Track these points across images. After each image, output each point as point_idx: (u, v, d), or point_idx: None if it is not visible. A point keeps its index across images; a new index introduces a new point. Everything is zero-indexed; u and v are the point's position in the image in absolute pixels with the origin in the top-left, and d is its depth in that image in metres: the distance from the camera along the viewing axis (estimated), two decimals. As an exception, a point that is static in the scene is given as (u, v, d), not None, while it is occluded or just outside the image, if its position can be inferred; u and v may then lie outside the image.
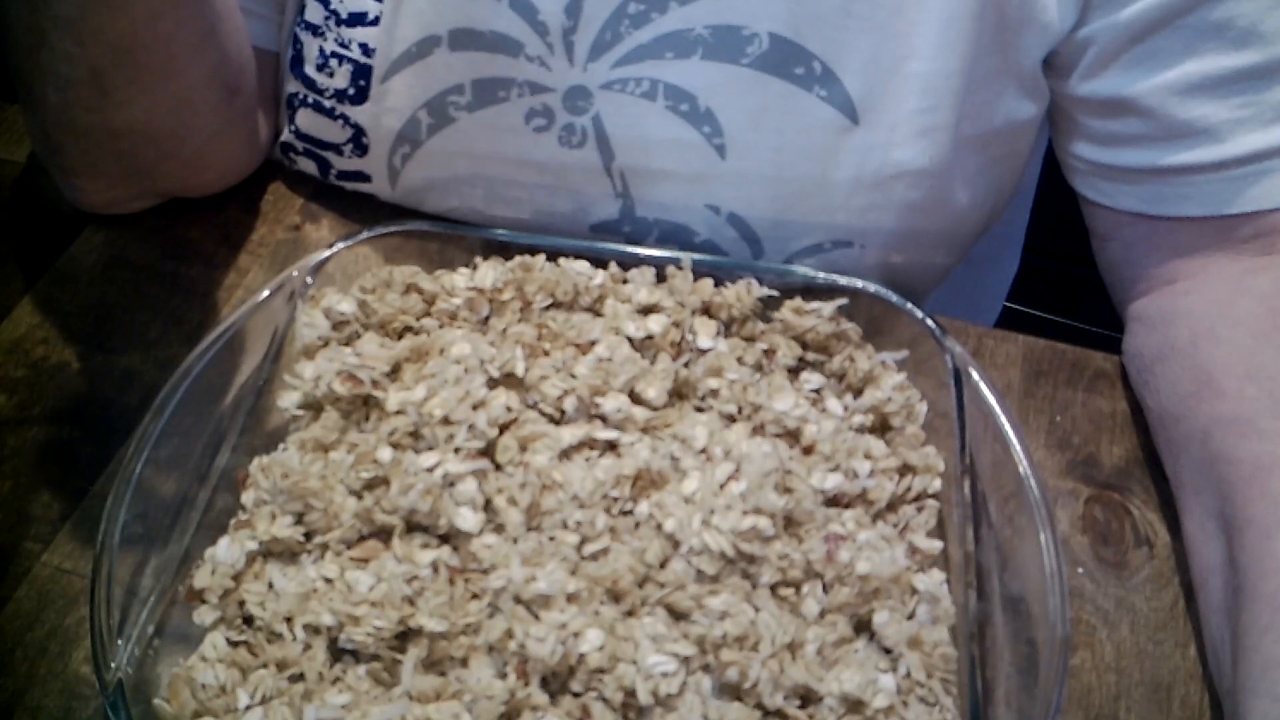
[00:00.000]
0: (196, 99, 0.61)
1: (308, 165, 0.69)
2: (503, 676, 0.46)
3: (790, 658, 0.47)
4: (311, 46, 0.64)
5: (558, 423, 0.53)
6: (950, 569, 0.51)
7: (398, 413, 0.51)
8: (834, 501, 0.52)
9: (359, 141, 0.66)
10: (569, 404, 0.53)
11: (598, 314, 0.58)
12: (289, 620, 0.47)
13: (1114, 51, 0.58)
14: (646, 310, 0.57)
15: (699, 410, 0.55)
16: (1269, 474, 0.50)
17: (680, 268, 0.58)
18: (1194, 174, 0.58)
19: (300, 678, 0.46)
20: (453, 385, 0.51)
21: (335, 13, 0.62)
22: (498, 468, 0.51)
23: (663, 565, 0.48)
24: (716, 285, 0.58)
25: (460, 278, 0.58)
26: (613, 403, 0.53)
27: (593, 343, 0.55)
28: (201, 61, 0.60)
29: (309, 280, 0.56)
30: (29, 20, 0.56)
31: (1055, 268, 1.13)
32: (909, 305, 0.56)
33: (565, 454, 0.52)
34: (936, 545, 0.51)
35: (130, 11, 0.55)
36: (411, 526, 0.49)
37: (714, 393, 0.55)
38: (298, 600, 0.47)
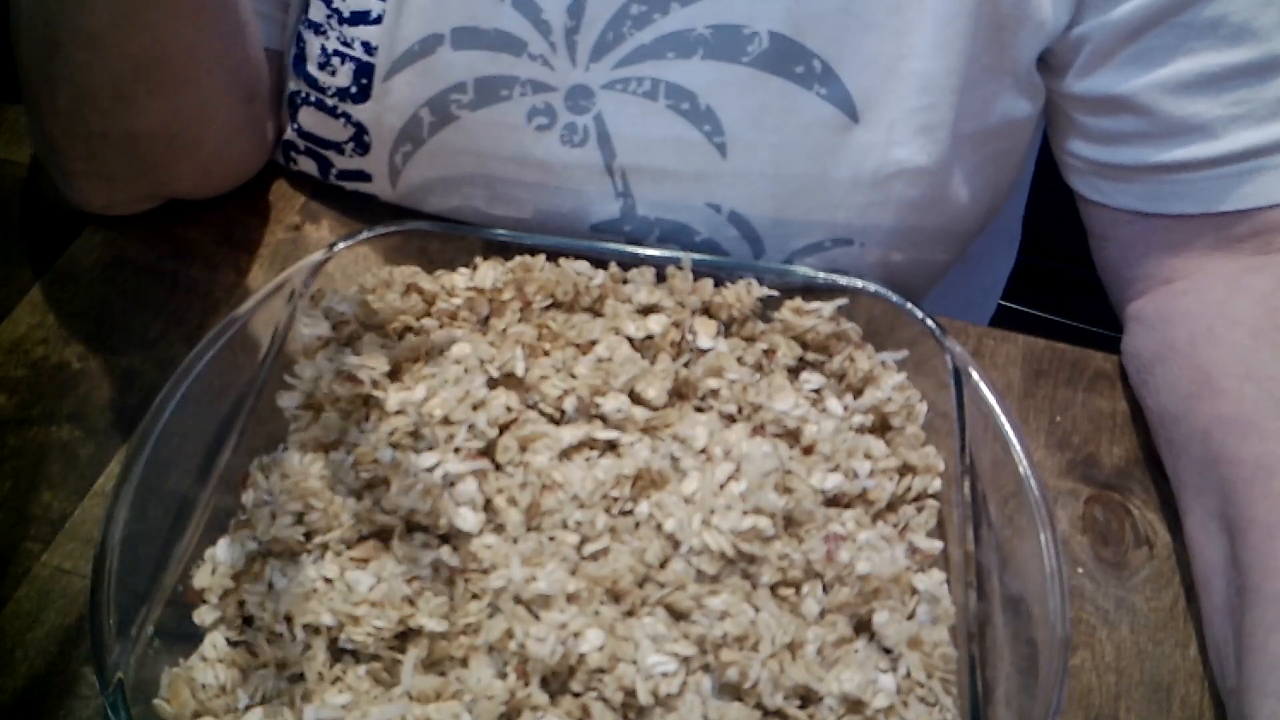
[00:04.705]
0: (216, 103, 0.62)
1: (308, 165, 0.69)
2: (503, 676, 0.46)
3: (790, 658, 0.47)
4: (314, 45, 0.64)
5: (558, 423, 0.53)
6: (950, 569, 0.51)
7: (398, 413, 0.51)
8: (834, 501, 0.52)
9: (360, 140, 0.66)
10: (569, 404, 0.53)
11: (598, 314, 0.58)
12: (289, 620, 0.47)
13: (1108, 50, 0.58)
14: (646, 310, 0.57)
15: (699, 410, 0.55)
16: (1271, 474, 0.50)
17: (680, 268, 0.58)
18: (1189, 171, 0.59)
19: (300, 678, 0.46)
20: (453, 385, 0.51)
21: (338, 11, 0.62)
22: (498, 468, 0.51)
23: (663, 565, 0.48)
24: (716, 285, 0.58)
25: (460, 278, 0.58)
26: (613, 403, 0.53)
27: (593, 343, 0.55)
28: (222, 69, 0.61)
29: (309, 280, 0.56)
30: (44, 32, 0.55)
31: (1054, 267, 1.13)
32: (909, 305, 0.56)
33: (565, 454, 0.52)
34: (936, 545, 0.51)
35: (155, 27, 0.55)
36: (411, 526, 0.49)
37: (714, 393, 0.55)
38: (298, 600, 0.47)
